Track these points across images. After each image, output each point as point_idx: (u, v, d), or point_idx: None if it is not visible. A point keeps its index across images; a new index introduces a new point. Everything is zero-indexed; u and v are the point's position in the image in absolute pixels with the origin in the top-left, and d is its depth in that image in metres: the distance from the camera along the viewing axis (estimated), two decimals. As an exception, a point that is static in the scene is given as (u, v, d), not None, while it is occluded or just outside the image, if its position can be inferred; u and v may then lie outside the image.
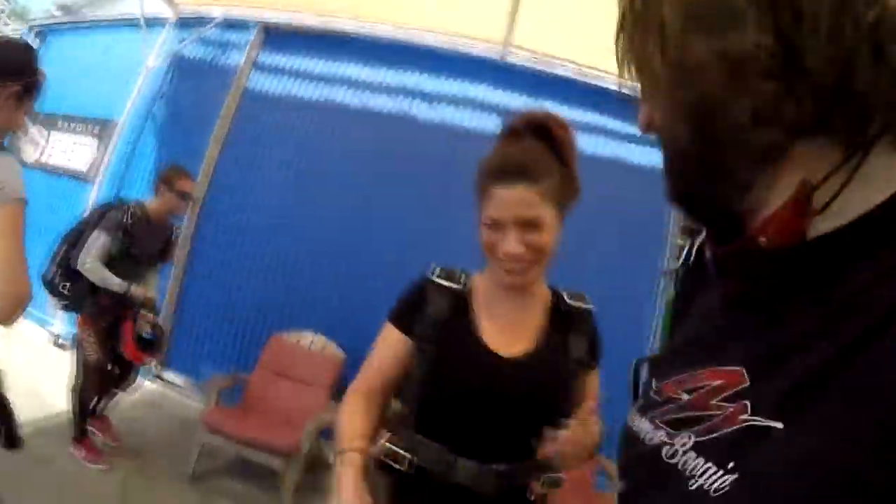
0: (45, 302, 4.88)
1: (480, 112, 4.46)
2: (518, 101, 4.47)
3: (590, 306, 1.23)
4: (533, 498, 1.11)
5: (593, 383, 1.24)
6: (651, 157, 4.21)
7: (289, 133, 4.60)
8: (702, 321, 0.53)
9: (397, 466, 1.09)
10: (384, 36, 4.61)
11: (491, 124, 4.40)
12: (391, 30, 4.60)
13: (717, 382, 0.43)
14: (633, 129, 4.16)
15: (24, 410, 3.29)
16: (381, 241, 4.12)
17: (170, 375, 4.60)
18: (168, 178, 3.25)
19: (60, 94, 5.90)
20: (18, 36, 6.95)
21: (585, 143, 4.30)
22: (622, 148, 4.32)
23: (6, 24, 7.24)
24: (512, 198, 1.05)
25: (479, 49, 4.53)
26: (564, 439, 1.01)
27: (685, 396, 0.46)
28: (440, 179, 4.07)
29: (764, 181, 0.42)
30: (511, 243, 1.05)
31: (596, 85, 4.35)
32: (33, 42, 6.46)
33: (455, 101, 4.48)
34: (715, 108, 0.41)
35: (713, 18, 0.40)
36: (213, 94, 4.80)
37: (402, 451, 1.10)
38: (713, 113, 0.42)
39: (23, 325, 5.19)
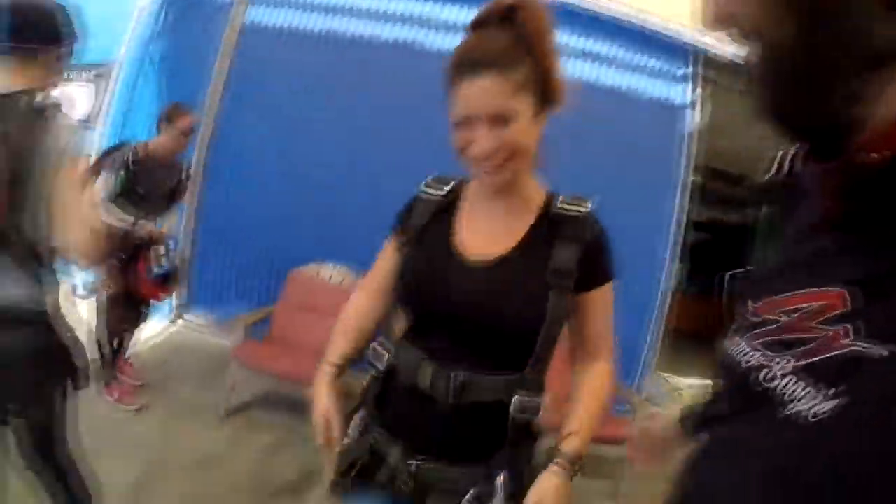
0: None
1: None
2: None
3: (585, 210, 1.07)
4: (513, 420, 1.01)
5: (594, 306, 1.09)
6: (661, 89, 4.23)
7: (292, 65, 4.52)
8: (797, 240, 0.50)
9: (377, 366, 1.11)
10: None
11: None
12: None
13: (818, 304, 0.41)
14: (643, 61, 4.17)
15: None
16: (395, 169, 4.09)
17: (191, 315, 4.66)
18: (168, 115, 3.28)
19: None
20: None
21: (595, 73, 4.28)
22: (633, 78, 4.28)
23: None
24: (479, 89, 0.95)
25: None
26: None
27: (783, 318, 0.45)
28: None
29: (872, 90, 0.38)
30: (481, 141, 0.96)
31: (608, 16, 4.22)
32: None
33: (459, 28, 4.40)
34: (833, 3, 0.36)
35: None
36: (209, 30, 4.67)
37: (381, 351, 1.11)
38: (832, 4, 0.37)
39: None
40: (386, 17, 4.46)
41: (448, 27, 4.37)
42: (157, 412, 3.27)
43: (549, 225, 1.06)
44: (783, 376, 0.41)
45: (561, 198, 1.10)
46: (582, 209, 1.07)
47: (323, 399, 1.12)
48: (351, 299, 1.27)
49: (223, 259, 4.59)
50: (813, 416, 0.38)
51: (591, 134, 4.11)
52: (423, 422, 1.04)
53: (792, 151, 0.54)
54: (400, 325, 1.16)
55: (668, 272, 4.14)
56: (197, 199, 4.60)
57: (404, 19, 4.42)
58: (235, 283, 4.54)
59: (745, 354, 0.48)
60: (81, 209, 1.37)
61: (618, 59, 4.31)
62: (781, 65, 0.41)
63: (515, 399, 0.99)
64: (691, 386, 5.32)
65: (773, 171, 0.57)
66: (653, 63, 4.26)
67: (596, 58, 4.30)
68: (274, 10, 4.66)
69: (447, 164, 1.14)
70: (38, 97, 1.41)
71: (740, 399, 0.48)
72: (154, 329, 4.32)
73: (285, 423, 3.39)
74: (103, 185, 3.02)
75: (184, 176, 3.50)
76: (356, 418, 1.12)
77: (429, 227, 1.11)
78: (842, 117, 0.40)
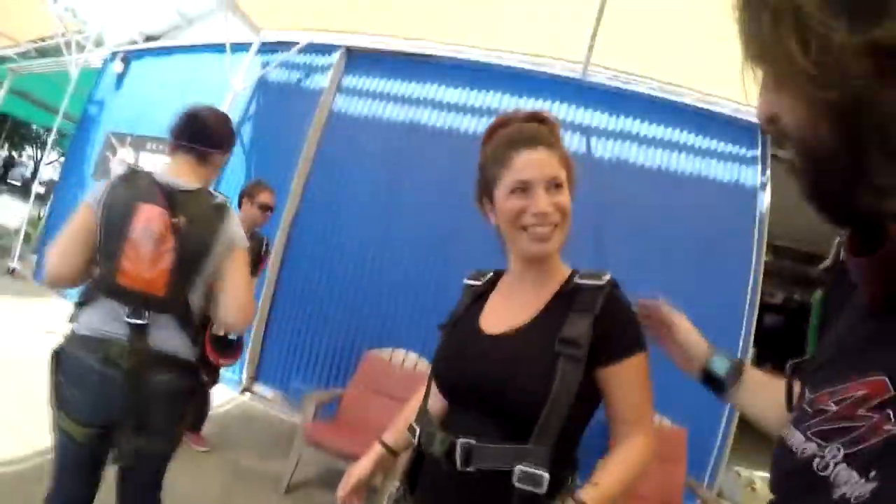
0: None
1: (563, 131, 4.49)
2: (598, 119, 4.51)
3: (600, 282, 1.06)
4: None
5: (619, 380, 1.04)
6: (731, 171, 4.20)
7: (375, 153, 4.73)
8: (849, 328, 0.52)
9: (413, 442, 1.15)
10: (466, 58, 4.71)
11: (572, 142, 4.44)
12: (473, 51, 4.70)
13: (862, 392, 0.42)
14: (713, 144, 4.18)
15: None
16: (469, 259, 4.16)
17: (259, 388, 4.74)
18: (250, 190, 3.51)
19: (148, 116, 6.21)
20: (102, 61, 7.34)
21: (665, 159, 4.30)
22: (703, 163, 4.28)
23: (90, 51, 7.61)
24: (538, 159, 1.06)
25: (559, 68, 4.58)
26: None
27: (833, 407, 0.46)
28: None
29: None
30: (542, 201, 1.04)
31: (675, 101, 4.34)
32: (119, 67, 6.80)
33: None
34: (861, 104, 0.39)
35: (857, 4, 0.37)
36: (298, 115, 4.97)
37: (415, 426, 1.15)
38: (859, 109, 0.39)
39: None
40: (471, 111, 4.64)
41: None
42: (218, 477, 3.29)
43: (565, 298, 1.08)
44: (836, 465, 0.42)
45: (579, 273, 1.12)
46: (597, 281, 1.07)
47: (359, 464, 1.25)
48: (421, 387, 1.32)
49: (294, 337, 4.69)
50: (855, 500, 0.39)
51: (664, 219, 4.11)
52: (440, 489, 1.08)
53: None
54: None
55: (743, 355, 3.97)
56: (275, 279, 4.76)
57: (490, 112, 4.58)
58: (304, 361, 4.61)
59: (800, 444, 0.49)
60: (246, 289, 1.66)
61: (687, 144, 4.33)
62: (819, 161, 0.44)
63: (517, 469, 0.96)
64: (765, 479, 5.02)
65: (830, 261, 0.58)
66: (722, 146, 4.27)
67: (666, 144, 4.33)
68: (360, 99, 4.92)
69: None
70: (215, 195, 1.68)
71: (795, 489, 0.48)
72: (224, 398, 4.42)
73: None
74: None
75: (262, 250, 3.62)
76: (392, 488, 1.20)
77: (465, 312, 1.19)
78: (875, 210, 0.42)
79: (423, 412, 1.16)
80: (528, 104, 4.59)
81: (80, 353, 1.53)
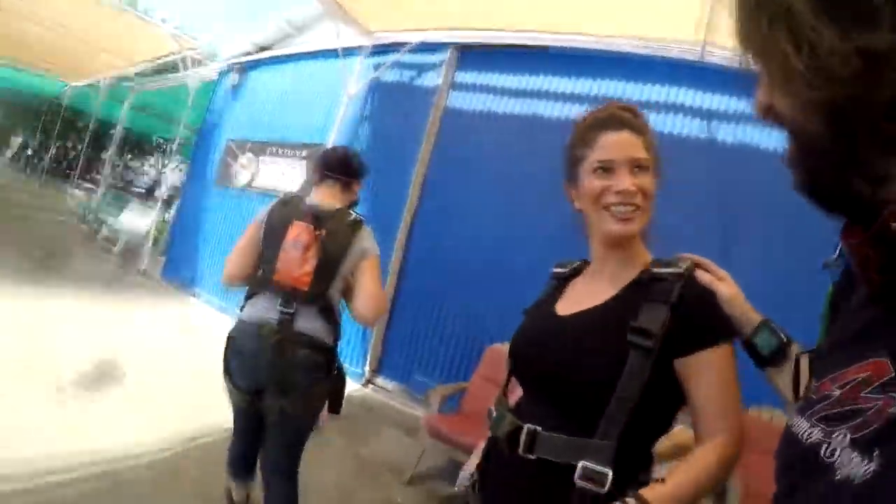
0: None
1: (683, 116, 4.32)
2: (719, 101, 4.28)
3: (677, 271, 1.01)
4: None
5: (699, 373, 0.97)
6: None
7: (493, 148, 4.75)
8: (852, 316, 0.52)
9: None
10: (579, 46, 4.62)
11: (694, 127, 4.25)
12: (586, 39, 4.59)
13: (864, 374, 0.43)
14: None
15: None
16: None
17: (381, 381, 4.90)
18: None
19: (266, 123, 6.57)
20: (218, 73, 7.84)
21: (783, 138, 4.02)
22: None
23: (206, 65, 8.17)
24: (622, 139, 1.05)
25: (677, 51, 4.39)
26: None
27: (837, 392, 0.46)
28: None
29: (893, 169, 0.42)
30: (625, 180, 1.03)
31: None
32: (234, 78, 7.24)
33: (657, 106, 4.37)
34: (851, 103, 0.40)
35: (847, 12, 0.38)
36: (413, 114, 5.09)
37: (492, 411, 1.11)
38: (849, 108, 0.40)
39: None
40: (587, 99, 4.55)
41: (643, 105, 4.35)
42: (342, 466, 3.40)
43: (641, 286, 1.04)
44: (842, 450, 0.42)
45: (659, 261, 1.07)
46: (674, 270, 1.02)
47: (470, 461, 1.24)
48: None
49: (415, 331, 4.82)
50: (857, 480, 0.39)
51: (795, 204, 3.84)
52: (503, 475, 1.06)
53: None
54: None
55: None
56: (397, 273, 4.90)
57: (607, 101, 4.42)
58: (425, 354, 4.72)
59: (805, 431, 0.48)
60: (376, 287, 1.98)
61: None
62: (813, 154, 0.46)
63: (581, 465, 0.91)
64: None
65: (838, 251, 0.58)
66: None
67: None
68: (474, 95, 4.96)
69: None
70: (352, 214, 2.03)
71: (800, 476, 0.48)
72: (346, 389, 4.59)
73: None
74: None
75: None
76: (469, 473, 1.18)
77: (547, 297, 1.20)
78: (867, 196, 0.43)
79: (500, 396, 1.14)
80: (646, 90, 4.44)
81: (242, 334, 1.94)
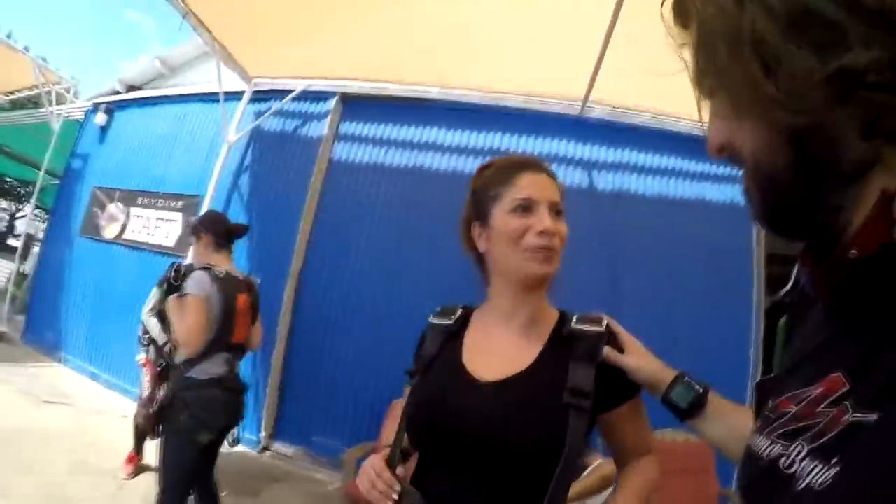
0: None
1: (564, 167, 4.54)
2: (598, 153, 4.56)
3: (599, 328, 1.03)
4: None
5: (623, 421, 1.04)
6: (727, 192, 4.29)
7: (379, 199, 4.71)
8: (808, 338, 0.54)
9: None
10: (465, 100, 4.73)
11: (574, 178, 4.49)
12: (472, 94, 4.71)
13: (820, 390, 0.45)
14: (707, 168, 4.26)
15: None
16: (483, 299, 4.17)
17: (278, 446, 4.63)
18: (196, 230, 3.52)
19: (137, 169, 6.10)
20: (84, 113, 7.19)
21: (667, 187, 4.37)
22: (700, 186, 4.36)
23: (71, 102, 7.46)
24: (543, 180, 1.05)
25: (558, 107, 4.63)
26: None
27: (794, 409, 0.48)
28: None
29: (851, 199, 0.44)
30: (546, 219, 1.01)
31: (670, 129, 4.42)
32: (102, 119, 6.67)
33: (540, 157, 4.55)
34: (820, 127, 0.42)
35: (817, 34, 0.39)
36: (297, 165, 4.94)
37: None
38: (817, 132, 0.42)
39: (129, 404, 5.30)
40: (473, 152, 4.66)
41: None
42: None
43: (563, 344, 1.03)
44: (801, 461, 0.43)
45: (575, 317, 1.07)
46: (596, 329, 1.03)
47: (376, 458, 1.04)
48: (392, 406, 1.28)
49: (312, 391, 4.60)
50: (819, 486, 0.40)
51: (668, 243, 4.18)
52: None
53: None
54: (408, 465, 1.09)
55: (755, 365, 4.02)
56: (287, 332, 4.68)
57: (491, 152, 4.60)
58: (325, 414, 4.52)
59: (765, 448, 0.49)
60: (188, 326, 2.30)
61: (684, 170, 4.40)
62: (775, 186, 0.47)
63: None
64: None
65: (792, 281, 0.60)
66: (716, 168, 4.34)
67: (664, 171, 4.41)
68: (360, 146, 4.90)
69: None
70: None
71: (763, 491, 0.49)
72: (244, 458, 4.30)
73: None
74: (151, 300, 3.49)
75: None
76: None
77: (439, 354, 1.09)
78: (829, 225, 0.46)
79: (404, 485, 0.99)
80: (529, 143, 4.63)
81: (207, 389, 2.32)
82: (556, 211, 1.04)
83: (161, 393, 3.34)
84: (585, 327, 1.04)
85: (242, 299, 2.48)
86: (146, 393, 3.48)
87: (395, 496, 0.97)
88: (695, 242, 4.12)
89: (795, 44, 0.40)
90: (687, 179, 4.39)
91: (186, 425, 2.26)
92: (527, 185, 1.03)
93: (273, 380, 4.63)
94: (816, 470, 0.41)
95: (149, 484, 3.57)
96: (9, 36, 16.25)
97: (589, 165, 4.54)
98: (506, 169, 1.08)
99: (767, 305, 0.68)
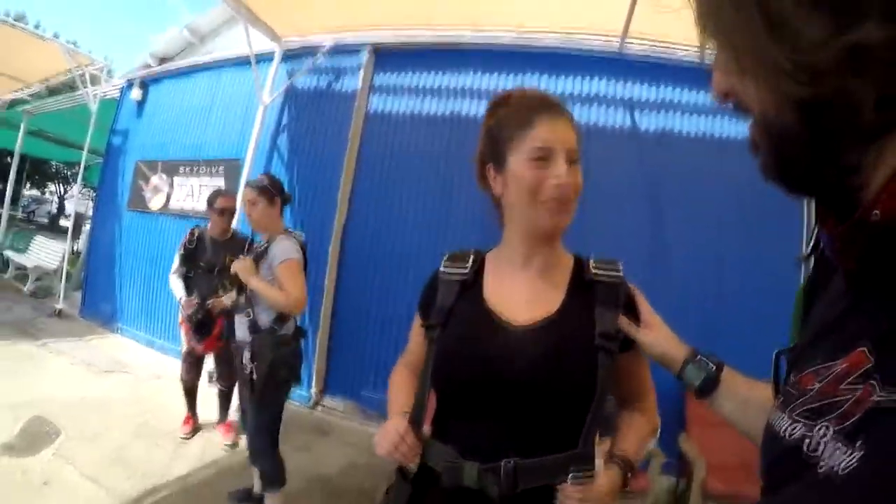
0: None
1: (605, 108, 4.36)
2: (639, 92, 4.35)
3: (619, 274, 1.05)
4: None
5: (637, 361, 1.07)
6: None
7: (418, 149, 4.64)
8: (829, 307, 0.51)
9: (410, 467, 1.01)
10: (499, 42, 4.56)
11: (615, 119, 4.31)
12: (506, 35, 4.54)
13: (844, 366, 0.42)
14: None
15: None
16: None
17: (329, 401, 4.70)
18: (210, 199, 3.62)
19: (176, 140, 6.16)
20: (120, 90, 7.29)
21: (713, 126, 4.14)
22: (746, 126, 4.10)
23: (106, 81, 7.56)
24: (561, 128, 0.99)
25: (596, 44, 4.42)
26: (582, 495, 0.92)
27: (817, 385, 0.45)
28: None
29: (869, 159, 0.41)
30: (563, 171, 0.97)
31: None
32: (138, 94, 6.74)
33: (578, 98, 4.38)
34: (833, 100, 0.38)
35: (837, 5, 0.36)
36: (333, 121, 4.89)
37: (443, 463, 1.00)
38: (830, 104, 0.39)
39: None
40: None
41: (566, 98, 4.36)
42: (306, 498, 3.19)
43: (586, 289, 1.04)
44: (825, 443, 0.41)
45: (592, 262, 1.07)
46: (616, 274, 1.05)
47: (397, 419, 1.05)
48: (395, 373, 1.26)
49: (360, 345, 4.64)
50: (843, 471, 0.38)
51: (715, 185, 3.99)
52: None
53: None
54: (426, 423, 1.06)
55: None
56: (333, 287, 4.70)
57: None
58: (373, 368, 4.55)
59: (787, 427, 0.48)
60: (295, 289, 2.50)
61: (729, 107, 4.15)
62: (782, 144, 0.44)
63: (570, 476, 0.92)
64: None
65: (812, 243, 0.57)
66: None
67: (709, 110, 4.17)
68: (395, 97, 4.81)
69: (580, 241, 1.14)
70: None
71: (785, 472, 0.46)
72: (296, 414, 4.38)
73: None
74: (175, 263, 3.62)
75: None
76: None
77: (457, 305, 1.07)
78: (840, 185, 0.43)
79: (426, 442, 1.01)
80: (568, 83, 4.45)
81: (293, 343, 2.60)
82: (572, 159, 0.99)
83: (197, 345, 3.51)
84: (604, 273, 1.05)
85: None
86: (184, 349, 3.67)
87: (417, 458, 1.00)
88: (741, 184, 3.90)
89: (806, 10, 0.37)
90: (734, 118, 4.15)
91: (287, 376, 2.53)
92: (545, 132, 0.98)
93: (322, 336, 4.69)
94: (840, 453, 0.39)
95: (206, 442, 3.69)
96: (37, 26, 16.71)
97: (630, 105, 4.34)
98: (523, 109, 1.02)
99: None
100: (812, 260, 0.58)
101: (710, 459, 2.99)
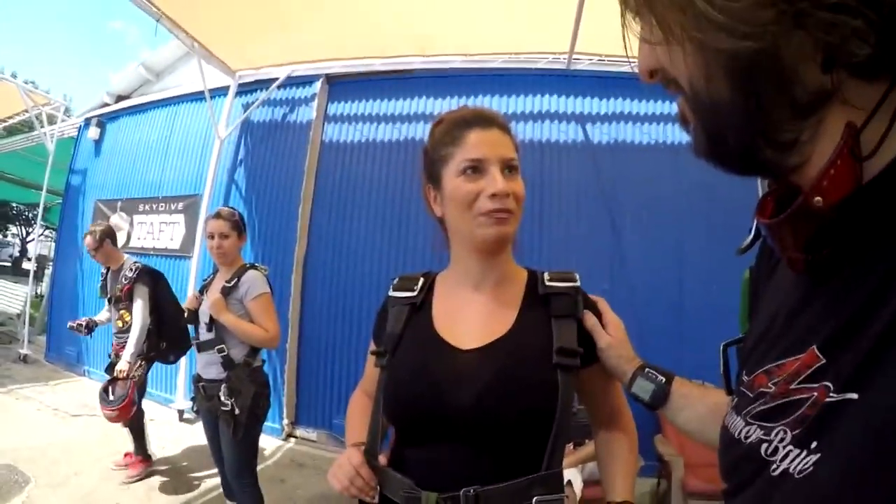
0: (168, 383, 5.06)
1: (556, 123, 4.47)
2: (589, 105, 4.48)
3: (575, 284, 1.02)
4: None
5: (604, 376, 1.03)
6: None
7: (374, 175, 4.70)
8: (777, 298, 0.50)
9: (367, 500, 0.97)
10: (449, 67, 4.67)
11: (567, 134, 4.43)
12: (455, 59, 4.65)
13: (796, 365, 0.41)
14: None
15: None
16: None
17: (301, 431, 4.68)
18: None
19: (134, 177, 6.12)
20: (77, 129, 7.22)
21: (664, 134, 4.28)
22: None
23: (63, 120, 7.49)
24: (492, 137, 0.97)
25: (543, 63, 4.55)
26: None
27: (771, 387, 0.44)
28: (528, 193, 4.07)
29: (806, 134, 0.39)
30: (499, 181, 0.94)
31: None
32: (95, 133, 6.69)
33: (530, 116, 4.50)
34: (765, 55, 0.36)
35: None
36: (290, 151, 4.93)
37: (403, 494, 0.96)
38: (762, 60, 0.36)
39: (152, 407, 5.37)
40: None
41: (514, 117, 4.47)
42: None
43: (541, 303, 1.00)
44: (784, 447, 0.41)
45: (546, 274, 1.04)
46: (572, 284, 1.02)
47: (353, 453, 1.00)
48: (353, 400, 1.21)
49: (328, 372, 4.65)
50: (798, 474, 0.38)
51: (672, 191, 4.12)
52: None
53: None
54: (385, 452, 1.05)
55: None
56: (297, 316, 4.70)
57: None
58: (343, 395, 4.54)
59: (742, 430, 0.47)
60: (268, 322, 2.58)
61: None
62: (712, 116, 0.42)
63: (535, 501, 0.89)
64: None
65: (752, 235, 0.54)
66: None
67: (659, 118, 4.32)
68: (349, 125, 4.88)
69: (528, 257, 1.11)
70: None
71: (745, 475, 0.46)
72: (269, 447, 4.36)
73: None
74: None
75: (123, 280, 3.55)
76: None
77: (407, 329, 1.03)
78: (777, 164, 0.41)
79: (383, 473, 0.98)
80: (518, 103, 4.56)
81: (263, 374, 2.62)
82: (509, 168, 0.97)
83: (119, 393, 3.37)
84: (561, 284, 1.02)
85: None
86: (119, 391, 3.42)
87: (374, 492, 0.96)
88: (698, 189, 4.03)
89: None
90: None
91: (264, 409, 2.59)
92: (475, 144, 0.96)
93: (290, 368, 4.67)
94: (796, 456, 0.39)
95: (178, 483, 3.64)
96: (-6, 66, 16.45)
97: (582, 119, 4.47)
98: (453, 126, 1.00)
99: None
100: (756, 247, 0.56)
101: (687, 458, 3.05)
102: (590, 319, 1.00)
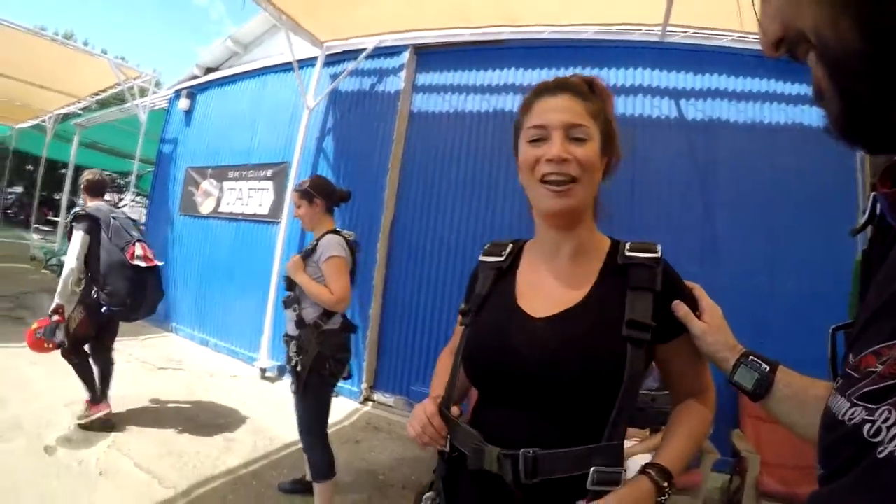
0: (252, 342, 5.28)
1: (649, 97, 4.32)
2: (683, 80, 4.29)
3: (655, 255, 0.99)
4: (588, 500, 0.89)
5: (680, 354, 1.00)
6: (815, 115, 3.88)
7: (462, 146, 4.69)
8: (888, 283, 0.46)
9: (442, 449, 1.02)
10: (539, 38, 4.58)
11: (660, 109, 4.26)
12: (544, 30, 4.56)
13: None
14: (803, 89, 3.88)
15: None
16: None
17: (379, 396, 4.80)
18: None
19: (224, 146, 6.38)
20: (168, 101, 7.57)
21: (760, 113, 4.05)
22: (795, 110, 4.00)
23: (154, 93, 7.89)
24: (558, 103, 0.97)
25: (637, 35, 4.39)
26: None
27: (879, 367, 0.42)
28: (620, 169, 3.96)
29: None
30: (556, 146, 0.94)
31: (757, 49, 4.06)
32: (185, 104, 7.00)
33: (623, 89, 4.36)
34: None
35: None
36: (378, 122, 4.99)
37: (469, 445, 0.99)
38: None
39: (236, 365, 5.64)
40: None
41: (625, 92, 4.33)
42: (358, 490, 3.25)
43: (619, 273, 0.99)
44: (888, 428, 0.39)
45: (628, 245, 1.02)
46: (653, 255, 0.99)
47: (428, 402, 1.05)
48: (440, 357, 1.25)
49: (408, 340, 4.73)
50: None
51: (765, 171, 3.90)
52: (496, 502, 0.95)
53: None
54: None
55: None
56: (382, 283, 4.80)
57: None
58: (421, 362, 4.64)
59: (847, 411, 0.45)
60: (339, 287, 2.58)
61: (777, 93, 4.06)
62: (847, 75, 0.39)
63: (593, 471, 0.88)
64: None
65: (867, 214, 0.53)
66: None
67: (756, 96, 4.08)
68: (438, 95, 4.88)
69: (627, 231, 1.09)
70: None
71: (845, 458, 0.44)
72: (346, 410, 4.50)
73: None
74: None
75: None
76: (425, 499, 1.06)
77: (492, 292, 1.08)
78: None
79: (454, 425, 1.01)
80: (610, 75, 4.43)
81: (337, 337, 2.62)
82: (573, 136, 0.96)
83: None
84: (642, 255, 1.00)
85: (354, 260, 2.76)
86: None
87: (444, 441, 1.01)
88: (792, 171, 3.81)
89: None
90: (781, 103, 4.04)
91: (333, 370, 2.57)
92: (540, 111, 0.98)
93: (371, 333, 4.79)
94: None
95: (256, 436, 3.80)
96: (85, 44, 17.48)
97: (675, 94, 4.29)
98: (530, 95, 1.03)
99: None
100: (869, 229, 0.54)
101: (764, 457, 2.92)
102: (681, 309, 0.97)
